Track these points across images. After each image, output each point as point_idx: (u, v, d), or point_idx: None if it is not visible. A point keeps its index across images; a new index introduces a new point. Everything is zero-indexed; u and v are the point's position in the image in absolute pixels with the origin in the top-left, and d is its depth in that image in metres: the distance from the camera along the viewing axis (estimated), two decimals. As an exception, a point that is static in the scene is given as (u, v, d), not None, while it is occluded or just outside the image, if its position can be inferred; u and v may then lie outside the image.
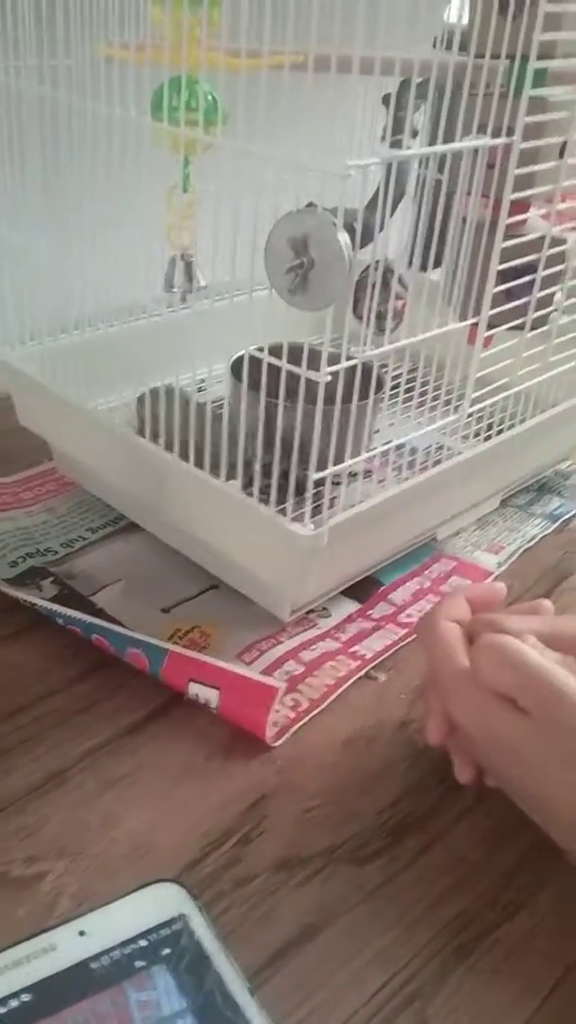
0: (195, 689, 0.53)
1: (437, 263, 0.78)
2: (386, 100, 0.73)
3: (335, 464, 0.53)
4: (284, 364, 0.51)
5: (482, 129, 0.58)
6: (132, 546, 0.67)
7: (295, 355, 0.50)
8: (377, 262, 0.68)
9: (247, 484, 0.55)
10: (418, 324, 0.60)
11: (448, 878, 0.45)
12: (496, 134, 0.56)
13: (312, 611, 0.62)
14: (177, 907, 0.41)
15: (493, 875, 0.45)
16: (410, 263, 0.83)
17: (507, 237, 0.56)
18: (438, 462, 0.62)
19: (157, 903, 0.41)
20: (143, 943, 0.40)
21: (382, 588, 0.65)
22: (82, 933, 0.40)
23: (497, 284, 0.58)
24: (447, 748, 0.49)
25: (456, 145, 0.53)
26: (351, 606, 0.63)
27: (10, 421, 0.74)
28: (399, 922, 0.43)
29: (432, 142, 0.58)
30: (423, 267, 0.81)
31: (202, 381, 0.75)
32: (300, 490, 0.55)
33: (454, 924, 0.43)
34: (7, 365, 0.69)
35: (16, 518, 0.69)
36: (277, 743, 0.52)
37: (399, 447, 0.59)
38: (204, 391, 0.74)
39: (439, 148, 0.52)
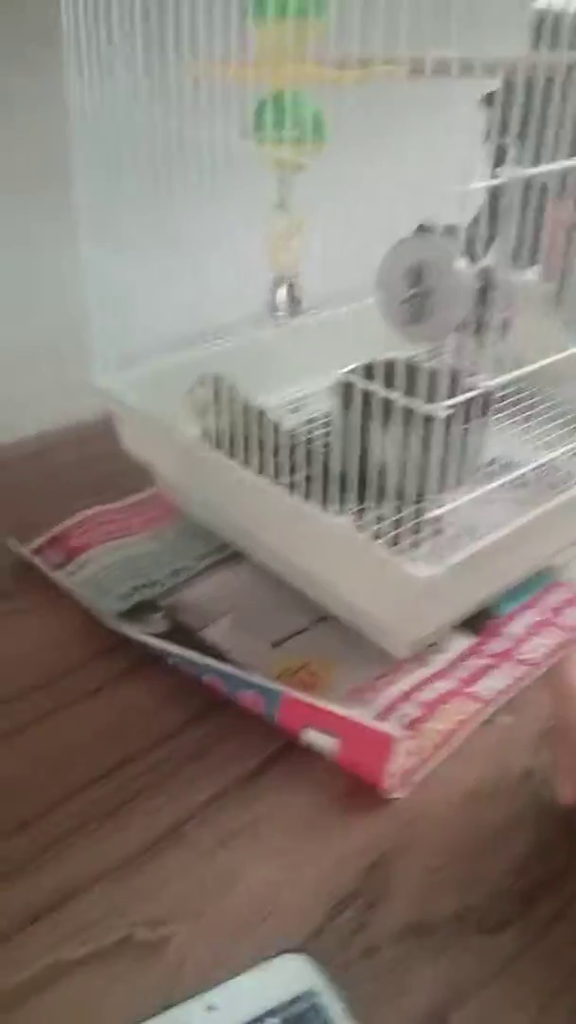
0: (310, 736, 0.51)
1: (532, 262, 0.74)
2: (489, 99, 0.69)
3: (451, 489, 0.51)
4: (399, 397, 0.49)
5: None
6: (240, 576, 0.66)
7: (410, 374, 0.48)
8: (484, 270, 0.65)
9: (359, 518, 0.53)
10: (528, 336, 0.56)
11: (584, 951, 0.43)
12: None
13: (426, 645, 0.60)
14: (306, 981, 0.40)
15: None
16: (517, 259, 0.79)
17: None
18: (560, 484, 0.59)
19: (285, 977, 0.40)
20: (273, 1022, 0.39)
21: (497, 620, 0.62)
22: (210, 1008, 0.39)
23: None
24: (579, 805, 0.47)
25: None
26: (465, 640, 0.60)
27: (113, 443, 0.73)
28: (535, 999, 0.41)
29: (538, 148, 0.55)
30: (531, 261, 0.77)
31: (301, 398, 0.73)
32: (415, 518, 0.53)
33: (594, 1004, 0.41)
34: (108, 392, 0.68)
35: (126, 547, 0.69)
36: (397, 794, 0.50)
37: (514, 471, 0.56)
38: (301, 409, 0.72)
39: (563, 164, 0.49)
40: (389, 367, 0.51)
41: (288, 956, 0.41)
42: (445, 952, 0.43)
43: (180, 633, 0.61)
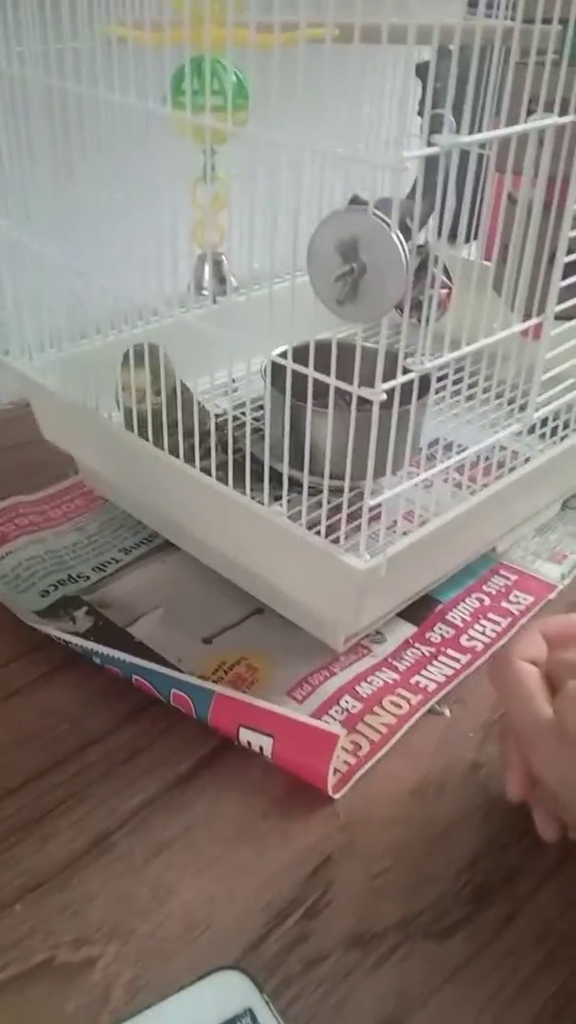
0: (246, 736, 0.48)
1: (468, 237, 0.72)
2: (421, 71, 0.67)
3: (391, 474, 0.48)
4: (332, 380, 0.46)
5: (533, 101, 0.53)
6: (168, 567, 0.63)
7: (344, 354, 0.45)
8: (420, 247, 0.63)
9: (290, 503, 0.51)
10: (467, 314, 0.54)
11: (538, 952, 0.41)
12: (549, 107, 0.50)
13: (366, 635, 0.58)
14: (242, 1000, 0.37)
15: (588, 946, 0.41)
16: (453, 238, 0.77)
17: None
18: (501, 466, 0.57)
19: (219, 996, 0.38)
20: (207, 1047, 0.36)
21: (439, 607, 0.60)
22: (139, 1036, 0.36)
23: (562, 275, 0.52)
24: (527, 800, 0.45)
25: (521, 127, 0.47)
26: (407, 629, 0.58)
27: (32, 430, 0.69)
28: (489, 1007, 0.39)
29: (475, 117, 0.53)
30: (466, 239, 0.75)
31: (234, 381, 0.70)
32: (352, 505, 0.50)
33: (551, 1006, 0.39)
34: (26, 377, 0.64)
35: (45, 540, 0.65)
36: (338, 794, 0.48)
37: (452, 449, 0.54)
38: (231, 392, 0.69)
39: (503, 132, 0.46)
40: (323, 348, 0.48)
41: (223, 973, 0.38)
42: (391, 961, 0.40)
43: (106, 630, 0.57)
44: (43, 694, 0.54)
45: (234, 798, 0.48)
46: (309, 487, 0.52)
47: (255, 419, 0.67)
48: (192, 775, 0.49)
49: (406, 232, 0.44)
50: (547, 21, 0.52)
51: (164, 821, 0.46)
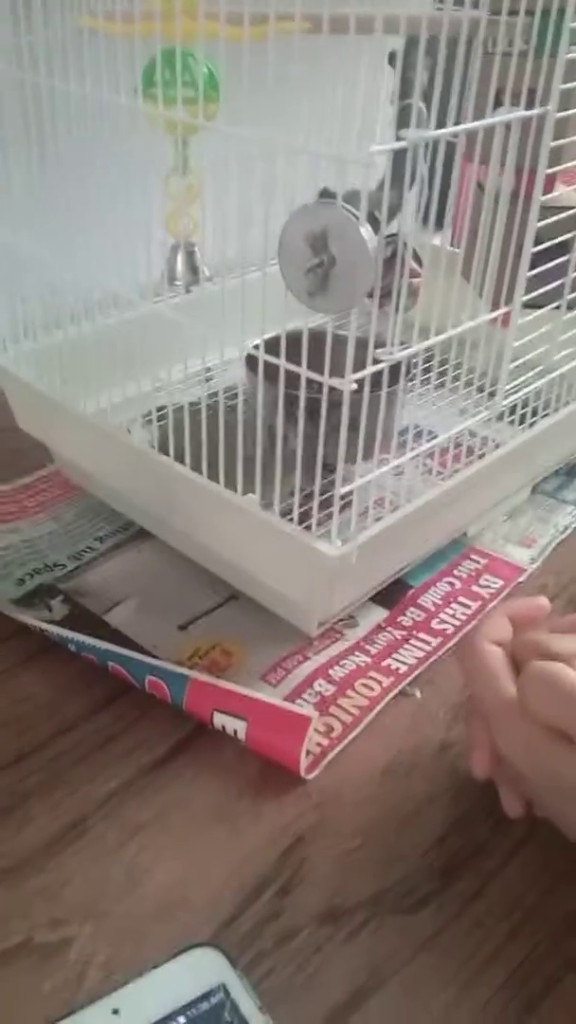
0: (221, 720, 0.49)
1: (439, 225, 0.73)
2: (392, 59, 0.67)
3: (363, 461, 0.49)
4: (303, 371, 0.46)
5: (501, 92, 0.53)
6: (144, 555, 0.63)
7: (316, 343, 0.46)
8: (391, 236, 0.63)
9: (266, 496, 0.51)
10: (437, 301, 0.55)
11: (505, 924, 0.42)
12: (516, 97, 0.51)
13: (339, 620, 0.58)
14: (216, 975, 0.38)
15: (554, 918, 0.42)
16: (425, 221, 0.77)
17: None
18: (471, 452, 0.58)
19: (194, 972, 0.38)
20: (182, 1020, 0.37)
21: (411, 591, 0.61)
22: (115, 1011, 0.37)
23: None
24: (493, 778, 0.46)
25: (488, 121, 0.48)
26: (379, 613, 0.59)
27: (7, 420, 0.69)
28: (457, 978, 0.40)
29: (443, 108, 0.53)
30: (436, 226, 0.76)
31: (209, 370, 0.70)
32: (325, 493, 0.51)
33: (517, 976, 0.40)
34: (0, 367, 0.64)
35: (21, 529, 0.65)
36: (311, 775, 0.49)
37: (422, 436, 0.55)
38: (206, 381, 0.70)
39: (470, 126, 0.47)
40: (295, 338, 0.49)
41: (197, 950, 0.39)
42: (362, 935, 0.41)
43: (82, 618, 0.58)
44: (19, 681, 0.54)
45: (208, 781, 0.48)
46: (284, 475, 0.52)
47: (229, 407, 0.68)
48: (167, 759, 0.50)
49: (375, 224, 0.45)
50: (514, 13, 0.53)
51: (139, 804, 0.47)
